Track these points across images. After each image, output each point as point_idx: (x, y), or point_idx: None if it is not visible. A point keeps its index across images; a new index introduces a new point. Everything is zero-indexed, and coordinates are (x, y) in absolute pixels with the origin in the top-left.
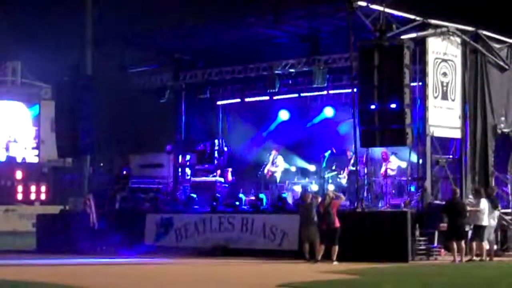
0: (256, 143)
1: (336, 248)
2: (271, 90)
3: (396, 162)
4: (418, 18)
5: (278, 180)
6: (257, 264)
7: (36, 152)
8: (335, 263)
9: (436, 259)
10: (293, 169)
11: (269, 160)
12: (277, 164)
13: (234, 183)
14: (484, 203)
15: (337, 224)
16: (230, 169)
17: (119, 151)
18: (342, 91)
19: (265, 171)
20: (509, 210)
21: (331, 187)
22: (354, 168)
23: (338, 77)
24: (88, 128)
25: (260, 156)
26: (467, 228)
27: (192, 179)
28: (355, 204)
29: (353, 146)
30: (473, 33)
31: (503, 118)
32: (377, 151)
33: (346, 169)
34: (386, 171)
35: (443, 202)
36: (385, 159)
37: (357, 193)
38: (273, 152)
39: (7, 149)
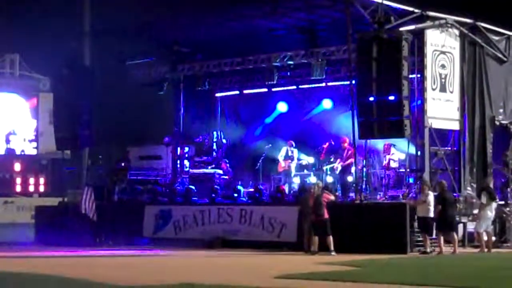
0: (255, 135)
1: (331, 238)
2: (269, 82)
3: (397, 153)
4: (416, 10)
5: (293, 173)
6: (256, 255)
7: (35, 144)
8: (333, 253)
9: (434, 250)
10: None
11: (280, 154)
12: (293, 157)
13: (233, 175)
14: (431, 196)
15: (326, 215)
16: (228, 161)
17: (117, 143)
18: (341, 83)
19: (281, 164)
20: (508, 202)
21: (329, 179)
22: (348, 162)
23: (336, 69)
24: (86, 120)
25: (259, 148)
26: (465, 220)
27: (191, 171)
28: (354, 196)
29: (352, 138)
30: (471, 25)
31: (501, 110)
32: (377, 143)
33: (339, 160)
34: (389, 162)
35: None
36: (387, 151)
37: (355, 185)
38: (286, 147)
39: (7, 141)
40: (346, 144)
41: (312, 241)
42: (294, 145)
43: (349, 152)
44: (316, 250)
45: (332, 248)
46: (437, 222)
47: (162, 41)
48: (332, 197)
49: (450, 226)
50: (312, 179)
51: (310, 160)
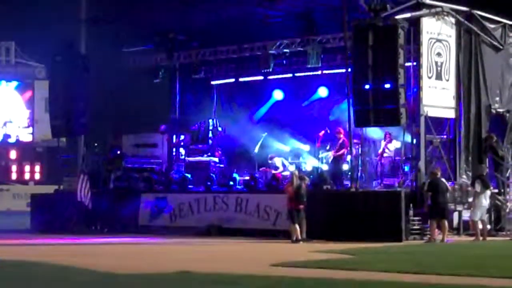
0: (251, 123)
1: (305, 227)
2: (265, 70)
3: (395, 142)
4: None
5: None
6: (251, 243)
7: (30, 129)
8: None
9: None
10: (287, 149)
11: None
12: (276, 166)
13: (228, 163)
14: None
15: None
16: (224, 149)
17: (113, 130)
18: (336, 71)
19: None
20: (502, 190)
21: (325, 167)
22: (340, 152)
23: (332, 57)
24: (82, 108)
25: (254, 136)
26: (460, 208)
27: (187, 159)
28: (350, 184)
29: (347, 126)
30: (467, 13)
31: (497, 98)
32: (372, 132)
33: (333, 151)
34: (384, 150)
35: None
36: (387, 139)
37: (351, 173)
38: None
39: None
40: (341, 135)
41: (298, 230)
42: (273, 158)
43: (343, 143)
44: (299, 238)
45: (304, 235)
46: (429, 209)
47: (157, 29)
48: (306, 181)
49: (441, 214)
50: (308, 167)
51: (306, 148)
